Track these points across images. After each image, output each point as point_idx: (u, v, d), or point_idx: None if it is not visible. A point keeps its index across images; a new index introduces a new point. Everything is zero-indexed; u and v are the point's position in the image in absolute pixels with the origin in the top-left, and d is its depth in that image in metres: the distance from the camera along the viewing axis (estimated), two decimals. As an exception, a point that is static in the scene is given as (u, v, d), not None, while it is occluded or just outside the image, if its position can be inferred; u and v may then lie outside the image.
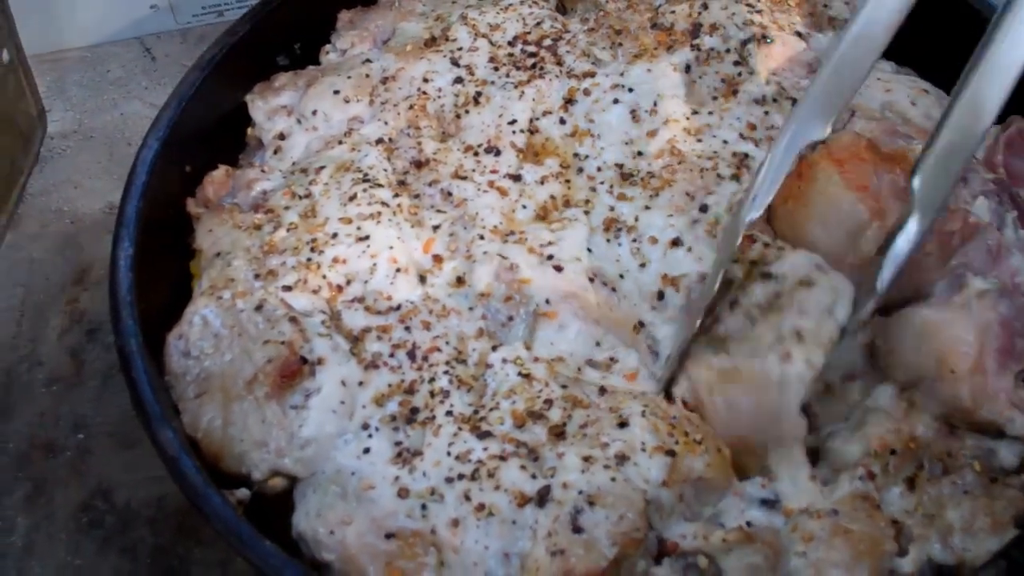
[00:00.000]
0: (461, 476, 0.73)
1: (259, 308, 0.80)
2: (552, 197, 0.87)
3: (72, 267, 1.17)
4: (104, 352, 1.10)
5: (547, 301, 0.82)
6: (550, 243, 0.84)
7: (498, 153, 0.89)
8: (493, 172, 0.88)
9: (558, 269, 0.83)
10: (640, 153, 0.88)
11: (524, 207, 0.86)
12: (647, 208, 0.85)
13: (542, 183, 0.88)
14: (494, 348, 0.81)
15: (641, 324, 0.81)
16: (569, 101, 0.91)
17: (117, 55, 1.36)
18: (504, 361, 0.80)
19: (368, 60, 0.96)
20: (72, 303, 1.14)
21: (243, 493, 0.75)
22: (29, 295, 1.15)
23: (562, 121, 0.90)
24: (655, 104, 0.89)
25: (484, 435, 0.75)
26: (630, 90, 0.90)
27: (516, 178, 0.88)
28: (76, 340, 1.11)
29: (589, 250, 0.84)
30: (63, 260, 1.17)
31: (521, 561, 0.70)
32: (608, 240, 0.84)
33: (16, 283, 1.16)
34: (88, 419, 1.06)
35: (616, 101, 0.90)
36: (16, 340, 1.12)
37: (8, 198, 1.20)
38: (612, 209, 0.86)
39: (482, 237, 0.84)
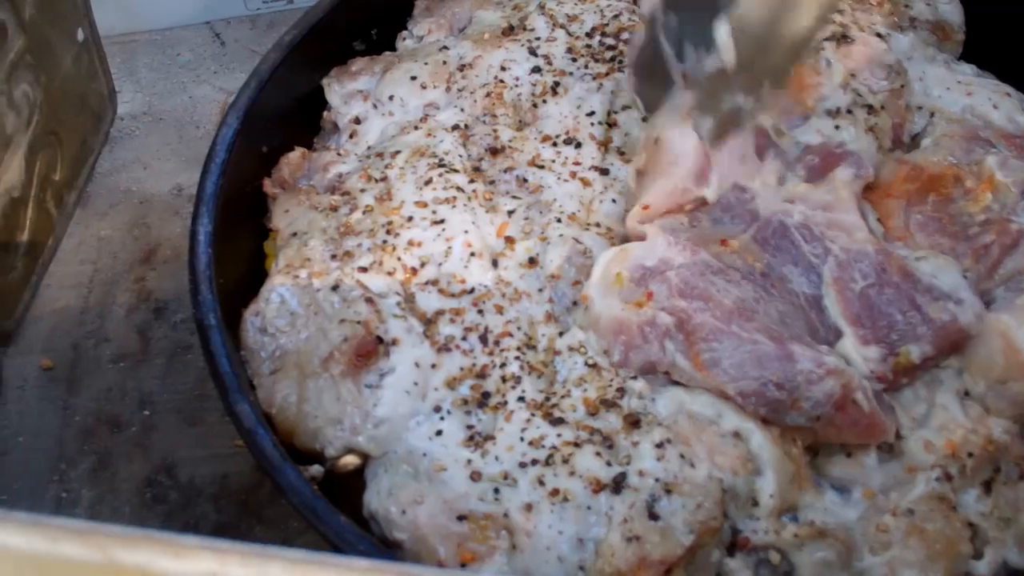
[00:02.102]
0: (535, 461, 0.73)
1: (335, 288, 0.81)
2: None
3: (140, 246, 1.18)
4: (170, 331, 1.11)
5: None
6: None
7: (578, 145, 0.89)
8: (576, 164, 0.88)
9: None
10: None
11: (613, 201, 0.86)
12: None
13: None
14: (560, 334, 0.81)
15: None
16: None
17: (187, 39, 1.37)
18: (570, 349, 0.80)
19: (445, 47, 0.97)
20: (139, 281, 1.15)
21: (316, 469, 0.76)
22: (97, 272, 1.16)
23: (644, 119, 0.90)
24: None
25: (557, 421, 0.75)
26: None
27: (603, 171, 0.88)
28: (143, 318, 1.12)
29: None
30: (131, 239, 1.19)
31: (595, 546, 0.70)
32: None
33: (85, 260, 1.17)
34: (154, 396, 1.07)
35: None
36: (84, 316, 1.13)
37: (78, 176, 1.21)
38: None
39: (559, 220, 0.85)
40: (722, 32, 0.74)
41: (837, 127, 0.87)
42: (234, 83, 1.32)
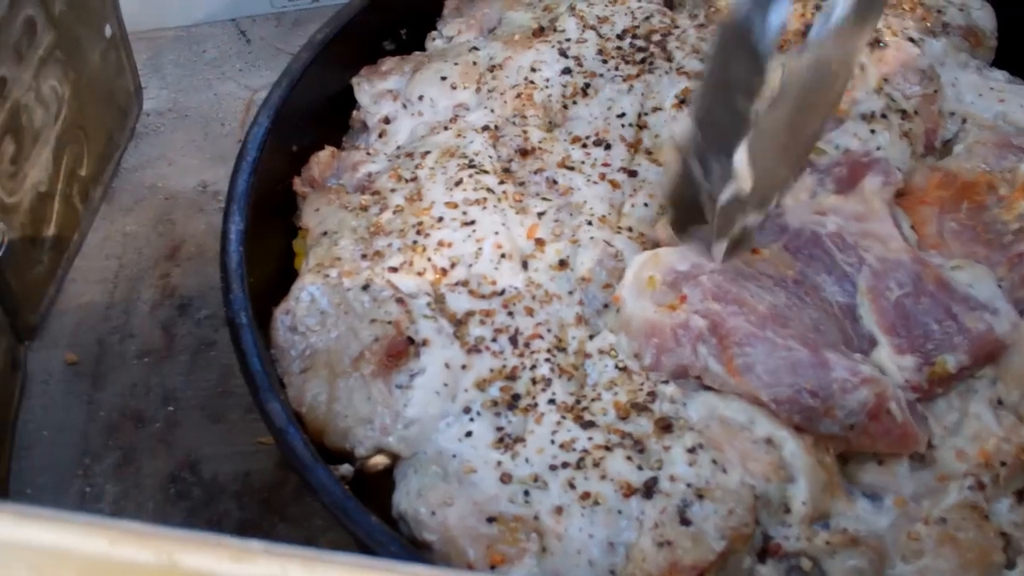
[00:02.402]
0: (565, 464, 0.73)
1: (366, 287, 0.81)
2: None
3: (165, 242, 1.18)
4: (194, 327, 1.11)
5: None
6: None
7: (608, 147, 0.89)
8: (605, 165, 0.88)
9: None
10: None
11: (645, 205, 0.86)
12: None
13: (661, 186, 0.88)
14: (591, 337, 0.81)
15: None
16: (683, 101, 0.91)
17: (213, 36, 1.38)
18: (601, 352, 0.80)
19: (475, 48, 0.97)
20: (164, 277, 1.15)
21: (346, 469, 0.76)
22: (122, 268, 1.16)
23: (675, 120, 0.90)
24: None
25: (588, 424, 0.75)
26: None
27: (632, 173, 0.88)
28: (167, 314, 1.12)
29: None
30: (156, 235, 1.19)
31: (626, 551, 0.70)
32: None
33: (110, 255, 1.18)
34: (178, 392, 1.07)
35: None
36: (109, 311, 1.13)
37: (104, 171, 1.21)
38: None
39: (589, 223, 0.84)
40: (739, 159, 0.72)
41: (872, 131, 0.86)
42: (259, 80, 1.32)
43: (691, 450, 0.73)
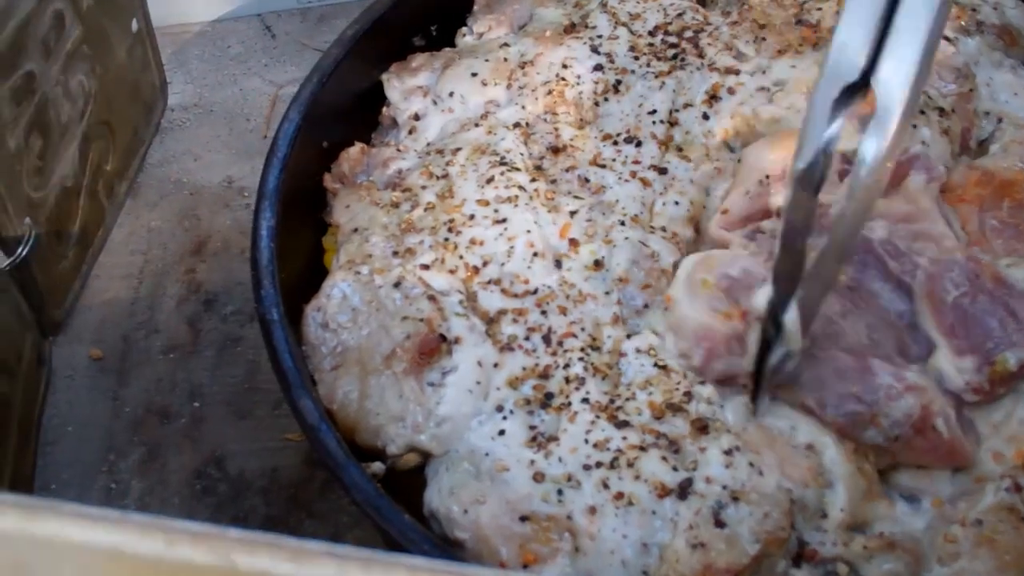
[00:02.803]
0: (599, 464, 0.73)
1: (397, 285, 0.80)
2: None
3: (190, 238, 1.18)
4: (220, 323, 1.11)
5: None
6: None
7: (639, 144, 0.88)
8: (636, 163, 0.87)
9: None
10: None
11: (676, 203, 0.85)
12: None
13: (691, 183, 0.87)
14: (628, 336, 0.80)
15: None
16: (713, 97, 0.90)
17: (237, 31, 1.37)
18: (638, 351, 0.79)
19: (505, 44, 0.96)
20: (189, 273, 1.15)
21: (378, 467, 0.76)
22: (147, 263, 1.16)
23: (705, 116, 0.89)
24: (800, 102, 0.88)
25: (622, 424, 0.74)
26: (776, 88, 0.89)
27: (662, 171, 0.87)
28: (193, 310, 1.12)
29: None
30: (181, 230, 1.19)
31: (660, 552, 0.69)
32: None
33: (134, 251, 1.17)
34: (204, 388, 1.07)
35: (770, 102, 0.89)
36: (134, 307, 1.13)
37: (129, 166, 1.21)
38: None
39: (622, 223, 0.84)
40: (791, 318, 0.72)
41: (915, 126, 0.86)
42: (284, 76, 1.32)
43: (727, 452, 0.72)
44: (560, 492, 0.72)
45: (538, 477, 0.73)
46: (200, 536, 0.30)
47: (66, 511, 0.31)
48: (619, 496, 0.71)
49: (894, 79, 0.65)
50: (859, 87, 0.67)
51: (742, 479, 0.71)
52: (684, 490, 0.71)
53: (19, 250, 1.00)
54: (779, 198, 0.82)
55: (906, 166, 0.83)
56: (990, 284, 0.77)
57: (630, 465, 0.72)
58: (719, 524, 0.69)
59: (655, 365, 0.78)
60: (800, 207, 0.71)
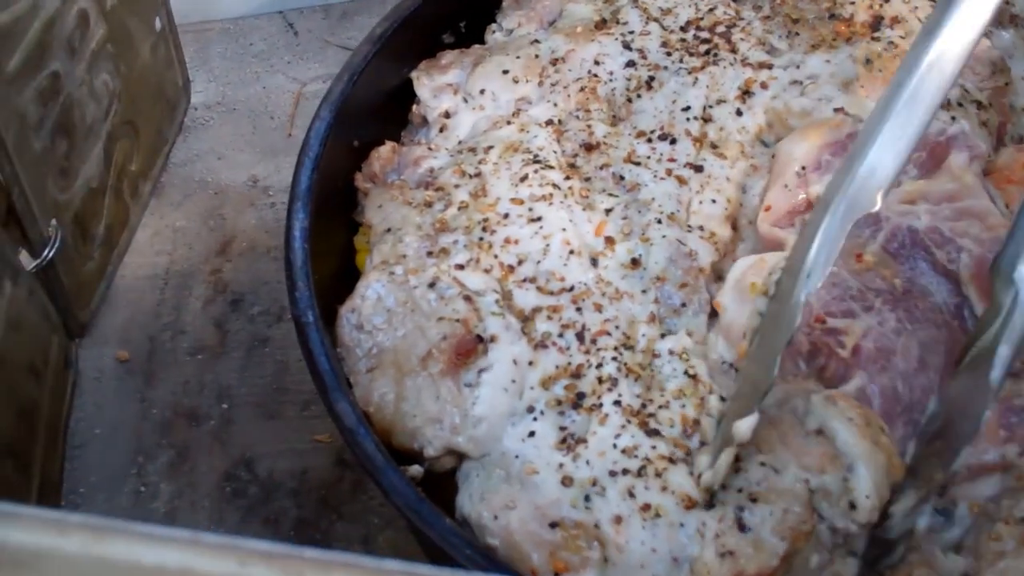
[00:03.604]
0: (626, 471, 0.71)
1: (432, 285, 0.79)
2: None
3: (216, 237, 1.17)
4: (247, 323, 1.11)
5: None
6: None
7: (673, 141, 0.87)
8: (671, 160, 0.86)
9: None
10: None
11: (713, 201, 0.84)
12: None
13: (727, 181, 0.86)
14: (662, 336, 0.79)
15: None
16: (746, 92, 0.89)
17: (260, 28, 1.37)
18: (671, 353, 0.78)
19: (536, 41, 0.95)
20: (215, 273, 1.15)
21: (416, 470, 0.75)
22: (172, 264, 1.16)
23: (739, 112, 0.88)
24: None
25: (653, 433, 0.73)
26: (809, 82, 0.88)
27: (698, 168, 0.86)
28: (220, 310, 1.12)
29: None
30: (207, 230, 1.18)
31: (691, 566, 0.68)
32: None
33: (160, 251, 1.17)
34: (232, 389, 1.06)
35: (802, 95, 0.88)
36: (160, 308, 1.13)
37: (153, 165, 1.21)
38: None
39: (659, 222, 0.83)
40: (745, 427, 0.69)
41: (953, 118, 0.84)
42: (307, 73, 1.31)
43: (738, 458, 0.71)
44: (587, 498, 0.71)
45: (566, 481, 0.72)
46: (275, 557, 0.29)
47: (134, 532, 0.31)
48: (646, 507, 0.70)
49: None
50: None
51: (755, 478, 0.70)
52: (709, 500, 0.70)
53: (45, 252, 0.99)
54: (818, 188, 0.81)
55: (946, 146, 0.82)
56: None
57: (658, 475, 0.71)
58: (743, 528, 0.68)
59: (685, 373, 0.77)
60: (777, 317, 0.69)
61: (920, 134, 0.67)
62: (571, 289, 0.80)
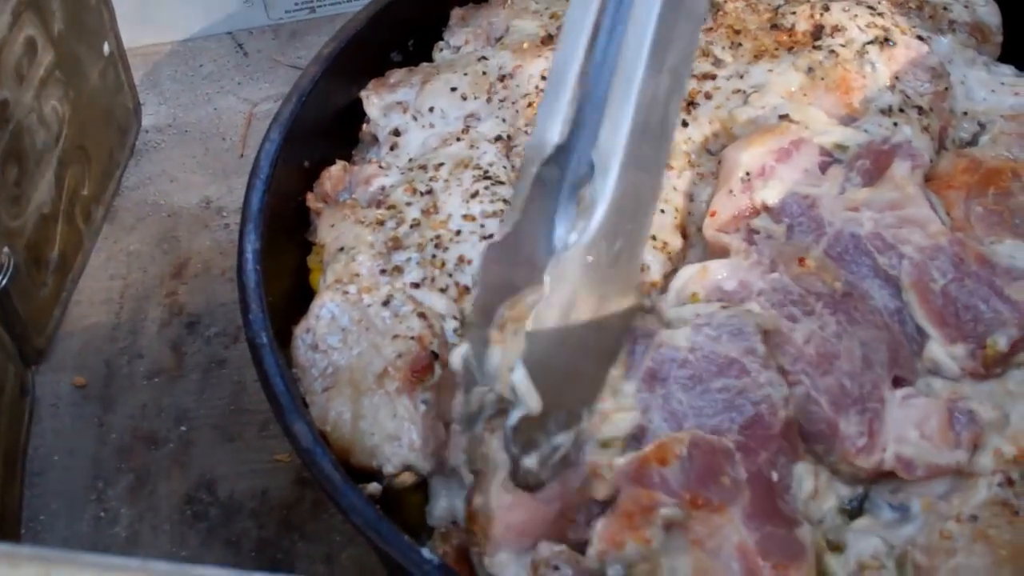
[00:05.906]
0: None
1: (386, 303, 0.80)
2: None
3: (170, 260, 1.17)
4: (204, 345, 1.10)
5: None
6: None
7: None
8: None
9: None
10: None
11: (662, 211, 0.85)
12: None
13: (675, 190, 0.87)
14: None
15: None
16: (691, 103, 0.90)
17: (209, 49, 1.37)
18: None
19: (483, 57, 0.96)
20: (171, 296, 1.14)
21: (374, 487, 0.75)
22: (127, 288, 1.16)
23: (684, 124, 0.90)
24: (779, 106, 0.89)
25: None
26: (752, 91, 0.90)
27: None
28: (176, 333, 1.12)
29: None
30: (160, 253, 1.18)
31: None
32: None
33: (114, 275, 1.17)
34: (190, 412, 1.06)
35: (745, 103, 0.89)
36: (116, 332, 1.12)
37: (105, 190, 1.20)
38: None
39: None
40: (519, 377, 0.65)
41: (895, 124, 0.86)
42: (258, 94, 1.31)
43: None
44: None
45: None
46: (225, 582, 0.30)
47: (85, 561, 0.31)
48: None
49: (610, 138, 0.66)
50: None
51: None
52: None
53: (-1, 280, 0.99)
54: (762, 193, 0.83)
55: (890, 154, 0.83)
56: (975, 266, 0.77)
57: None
58: None
59: None
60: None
61: None
62: (525, 306, 0.81)
